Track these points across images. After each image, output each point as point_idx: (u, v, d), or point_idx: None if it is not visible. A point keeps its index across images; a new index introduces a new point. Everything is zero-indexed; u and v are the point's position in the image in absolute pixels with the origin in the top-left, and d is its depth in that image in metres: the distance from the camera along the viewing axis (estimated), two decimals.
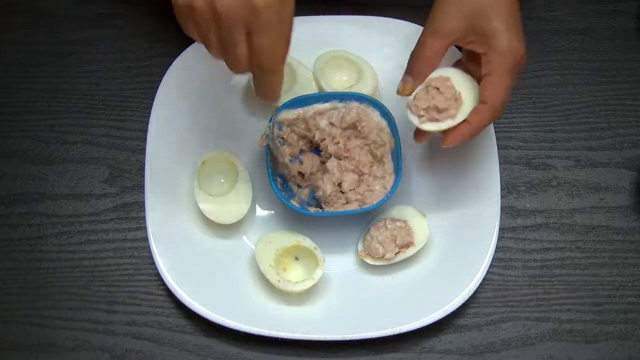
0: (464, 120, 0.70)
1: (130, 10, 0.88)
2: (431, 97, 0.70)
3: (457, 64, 0.74)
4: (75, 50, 0.86)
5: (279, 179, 0.77)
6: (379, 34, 0.84)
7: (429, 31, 0.71)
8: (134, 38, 0.87)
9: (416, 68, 0.71)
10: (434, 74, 0.71)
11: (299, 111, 0.79)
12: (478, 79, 0.71)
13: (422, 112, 0.71)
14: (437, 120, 0.70)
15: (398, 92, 0.72)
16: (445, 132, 0.71)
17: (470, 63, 0.72)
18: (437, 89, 0.70)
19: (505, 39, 0.68)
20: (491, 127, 0.80)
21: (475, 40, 0.70)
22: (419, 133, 0.74)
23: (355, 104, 0.78)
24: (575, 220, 0.80)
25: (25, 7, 0.88)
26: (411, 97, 0.71)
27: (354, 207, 0.76)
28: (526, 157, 0.82)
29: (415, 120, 0.71)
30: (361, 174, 0.78)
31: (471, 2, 0.69)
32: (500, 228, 0.77)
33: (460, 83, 0.71)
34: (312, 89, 0.82)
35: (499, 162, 0.78)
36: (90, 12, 0.88)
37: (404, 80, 0.72)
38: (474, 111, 0.70)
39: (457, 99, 0.70)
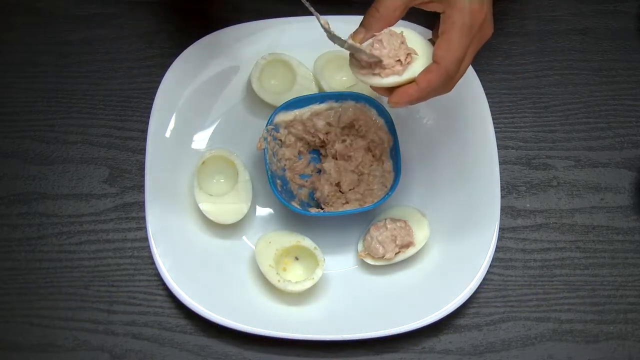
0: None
1: (130, 10, 0.88)
2: (375, 50, 0.66)
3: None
4: (75, 50, 0.86)
5: (278, 181, 0.77)
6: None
7: None
8: (134, 38, 0.87)
9: (369, 21, 0.67)
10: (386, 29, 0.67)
11: (296, 112, 0.79)
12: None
13: (363, 64, 0.67)
14: (378, 75, 0.66)
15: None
16: (390, 90, 0.67)
17: (436, 35, 0.68)
18: (381, 41, 0.66)
19: None
20: (491, 127, 0.80)
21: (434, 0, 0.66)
22: (373, 88, 0.69)
23: (351, 103, 0.78)
24: (575, 220, 0.80)
25: (25, 7, 0.88)
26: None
27: (353, 206, 0.76)
28: (526, 157, 0.82)
29: (354, 71, 0.67)
30: (360, 174, 0.78)
31: None
32: (500, 228, 0.77)
33: (416, 44, 0.67)
34: (312, 89, 0.82)
35: (499, 162, 0.78)
36: (90, 12, 0.88)
37: (355, 31, 0.67)
38: (423, 70, 0.65)
39: (406, 56, 0.66)
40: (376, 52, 0.65)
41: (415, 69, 0.66)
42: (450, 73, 0.65)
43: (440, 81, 0.65)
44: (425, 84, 0.65)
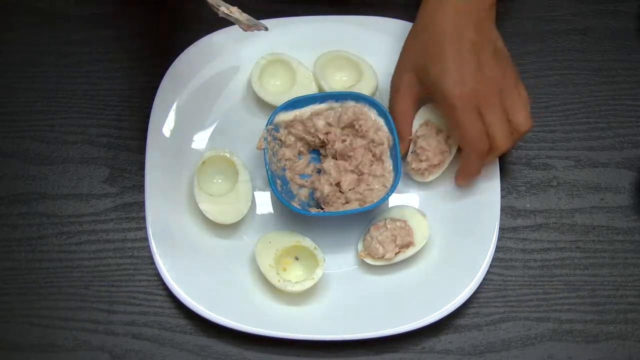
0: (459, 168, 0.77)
1: (130, 10, 0.88)
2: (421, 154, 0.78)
3: None
4: (75, 50, 0.86)
5: (278, 181, 0.77)
6: (378, 34, 0.84)
7: (393, 90, 0.77)
8: (134, 38, 0.87)
9: (398, 128, 0.77)
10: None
11: (296, 112, 0.79)
12: None
13: (423, 170, 0.78)
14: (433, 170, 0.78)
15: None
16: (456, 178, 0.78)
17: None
18: (423, 148, 0.77)
19: (443, 88, 0.71)
20: None
21: (430, 93, 0.74)
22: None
23: (351, 103, 0.78)
24: (575, 220, 0.80)
25: (25, 7, 0.88)
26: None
27: (354, 206, 0.76)
28: (526, 157, 0.82)
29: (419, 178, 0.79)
30: (360, 174, 0.78)
31: (416, 54, 0.74)
32: (500, 228, 0.77)
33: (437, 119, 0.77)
34: (312, 89, 0.82)
35: (499, 162, 0.78)
36: (90, 12, 0.88)
37: (401, 145, 0.77)
38: (461, 160, 0.76)
39: (443, 152, 0.77)
40: (423, 158, 0.77)
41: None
42: (478, 144, 0.73)
43: (476, 155, 0.74)
44: (468, 167, 0.76)
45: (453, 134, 0.76)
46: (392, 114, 0.77)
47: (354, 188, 0.78)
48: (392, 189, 0.76)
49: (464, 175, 0.77)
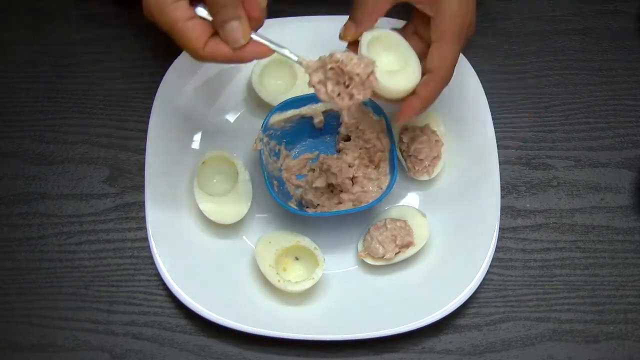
0: (413, 92, 0.68)
1: (130, 10, 0.88)
2: (419, 153, 0.78)
3: (407, 27, 0.73)
4: (75, 50, 0.86)
5: (275, 182, 0.77)
6: None
7: None
8: (134, 38, 0.87)
9: (359, 15, 0.69)
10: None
11: (289, 113, 0.79)
12: (427, 42, 0.69)
13: (426, 167, 0.78)
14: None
15: (340, 37, 0.71)
16: (398, 107, 0.69)
17: (420, 26, 0.71)
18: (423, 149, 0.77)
19: (455, 2, 0.66)
20: (491, 127, 0.80)
21: (424, 0, 0.68)
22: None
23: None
24: (575, 220, 0.80)
25: (25, 7, 0.88)
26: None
27: (348, 207, 0.76)
28: (526, 157, 0.82)
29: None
30: (355, 176, 0.78)
31: None
32: (500, 228, 0.77)
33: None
34: (312, 90, 0.82)
35: (499, 162, 0.78)
36: (90, 12, 0.88)
37: (346, 25, 0.69)
38: (422, 83, 0.68)
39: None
40: (421, 156, 0.77)
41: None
42: (446, 79, 0.68)
43: (440, 88, 0.68)
44: (426, 94, 0.68)
45: (434, 59, 0.67)
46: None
47: (348, 190, 0.78)
48: (388, 189, 0.76)
49: (416, 107, 0.68)
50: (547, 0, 0.90)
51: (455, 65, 0.68)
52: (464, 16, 0.67)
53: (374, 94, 0.67)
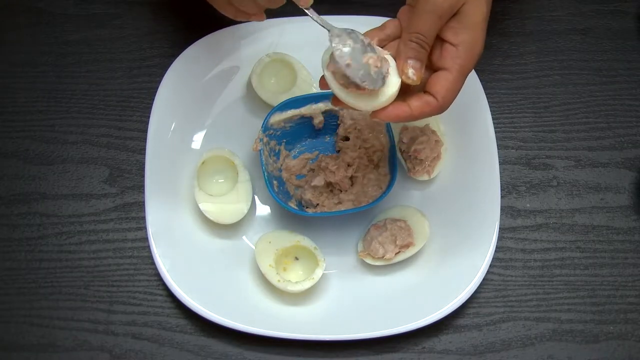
0: (404, 101, 0.65)
1: (130, 10, 0.88)
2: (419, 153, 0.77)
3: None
4: (75, 50, 0.86)
5: (275, 182, 0.77)
6: None
7: (421, 9, 0.64)
8: (134, 38, 0.87)
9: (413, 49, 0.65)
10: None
11: (289, 113, 0.79)
12: (431, 66, 0.66)
13: (427, 167, 0.78)
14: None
15: (410, 83, 0.65)
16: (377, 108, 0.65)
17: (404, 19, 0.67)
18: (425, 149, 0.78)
19: (480, 40, 0.65)
20: (491, 127, 0.80)
21: (453, 28, 0.65)
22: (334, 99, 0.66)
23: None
24: (575, 220, 0.80)
25: (25, 7, 0.88)
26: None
27: (347, 207, 0.76)
28: (526, 157, 0.82)
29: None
30: (354, 176, 0.78)
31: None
32: (500, 228, 0.77)
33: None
34: (312, 90, 0.82)
35: (499, 162, 0.78)
36: (90, 12, 0.88)
37: (413, 67, 0.65)
38: (421, 102, 0.64)
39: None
40: (422, 156, 0.77)
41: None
42: (445, 109, 0.66)
43: (434, 114, 0.66)
44: (418, 113, 0.65)
45: (441, 87, 0.65)
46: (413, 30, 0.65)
47: (347, 190, 0.78)
48: (388, 189, 0.76)
49: (400, 116, 0.65)
50: (547, 0, 0.90)
51: (456, 97, 0.66)
52: (480, 55, 0.66)
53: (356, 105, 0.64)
